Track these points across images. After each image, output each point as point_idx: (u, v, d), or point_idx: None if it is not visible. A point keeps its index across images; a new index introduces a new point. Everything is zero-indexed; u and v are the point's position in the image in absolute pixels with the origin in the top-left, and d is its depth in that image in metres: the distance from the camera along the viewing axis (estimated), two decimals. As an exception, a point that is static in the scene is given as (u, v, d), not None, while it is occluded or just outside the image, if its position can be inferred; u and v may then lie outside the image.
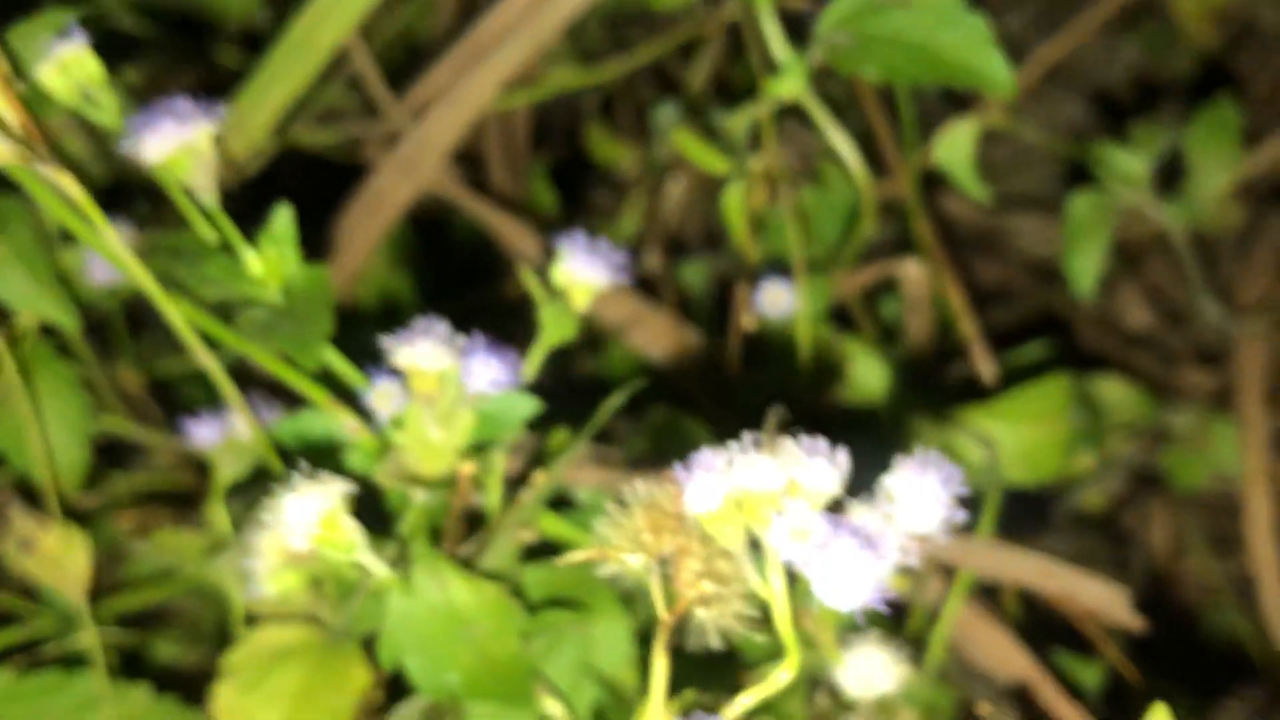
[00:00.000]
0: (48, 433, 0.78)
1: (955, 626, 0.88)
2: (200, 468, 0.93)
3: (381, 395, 0.68)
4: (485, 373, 0.64)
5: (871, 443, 0.86)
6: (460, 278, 1.17)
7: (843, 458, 0.55)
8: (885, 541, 0.54)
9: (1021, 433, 0.90)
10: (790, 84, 0.89)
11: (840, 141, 0.91)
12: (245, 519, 0.73)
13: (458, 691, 0.67)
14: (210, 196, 0.70)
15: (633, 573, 0.53)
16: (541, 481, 0.67)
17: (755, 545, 0.54)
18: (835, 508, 0.55)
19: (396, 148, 1.05)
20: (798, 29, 0.91)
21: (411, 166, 1.05)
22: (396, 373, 0.68)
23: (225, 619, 0.82)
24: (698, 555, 0.53)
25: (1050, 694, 0.80)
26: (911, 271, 0.95)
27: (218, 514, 0.77)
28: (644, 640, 0.75)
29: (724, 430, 0.79)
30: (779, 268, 0.95)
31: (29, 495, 0.81)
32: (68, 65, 0.65)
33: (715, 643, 0.54)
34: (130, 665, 0.95)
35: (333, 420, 0.68)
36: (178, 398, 1.05)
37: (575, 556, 0.53)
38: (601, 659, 0.72)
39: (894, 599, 0.52)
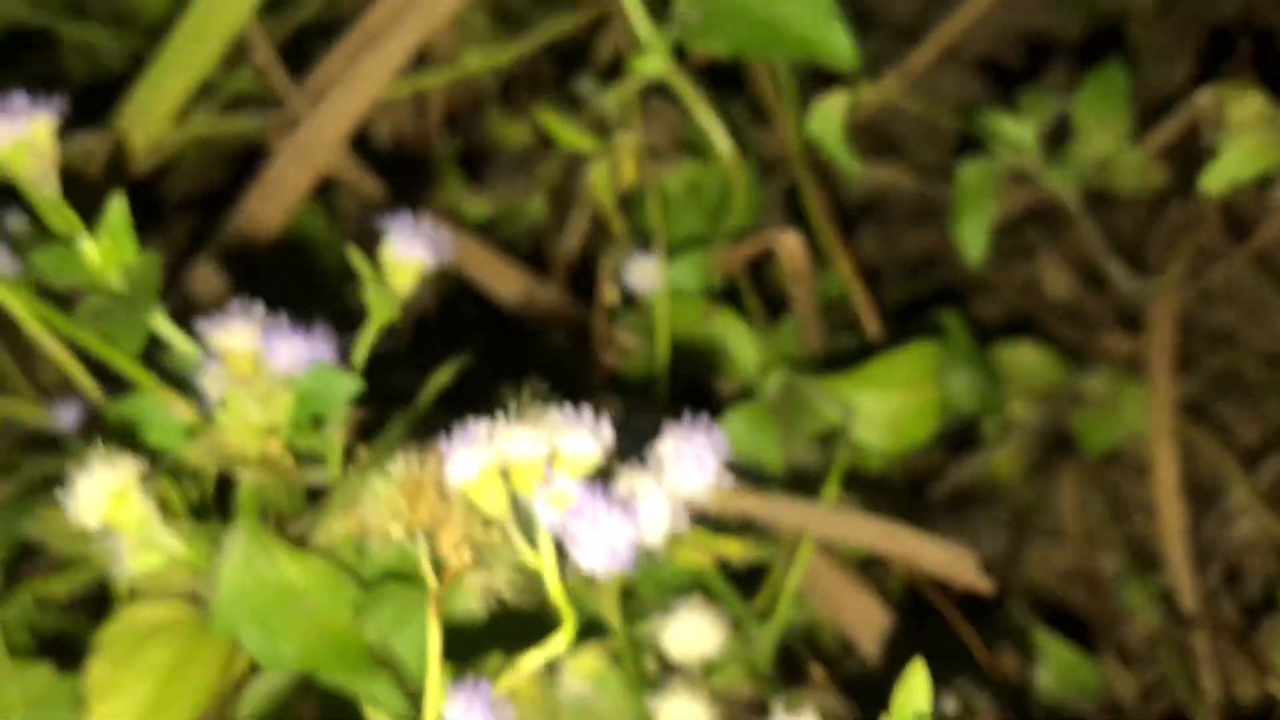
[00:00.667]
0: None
1: (824, 597, 0.89)
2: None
3: (212, 377, 0.70)
4: (287, 350, 0.65)
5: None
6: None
7: (605, 427, 0.56)
8: (647, 506, 0.55)
9: (889, 400, 0.91)
10: (653, 62, 0.90)
11: (707, 119, 0.92)
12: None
13: (293, 662, 0.69)
14: (51, 188, 0.72)
15: (394, 544, 0.54)
16: (364, 456, 0.69)
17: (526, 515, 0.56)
18: (606, 476, 0.57)
19: (294, 134, 1.07)
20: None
21: (308, 152, 1.06)
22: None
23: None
24: (458, 524, 0.54)
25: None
26: (787, 243, 0.95)
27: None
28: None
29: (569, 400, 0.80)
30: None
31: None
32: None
33: (480, 609, 0.55)
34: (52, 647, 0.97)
35: (159, 402, 0.70)
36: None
37: (334, 529, 0.55)
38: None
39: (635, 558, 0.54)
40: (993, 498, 1.18)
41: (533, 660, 0.56)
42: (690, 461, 0.57)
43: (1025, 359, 1.19)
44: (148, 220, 0.72)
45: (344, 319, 1.18)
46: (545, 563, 0.55)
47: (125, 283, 0.72)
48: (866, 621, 0.88)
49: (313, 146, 1.07)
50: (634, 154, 0.92)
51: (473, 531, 0.55)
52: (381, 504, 0.55)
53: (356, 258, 0.72)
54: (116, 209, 0.73)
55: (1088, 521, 1.18)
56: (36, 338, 0.73)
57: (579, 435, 0.55)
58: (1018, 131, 1.06)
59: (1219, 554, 1.13)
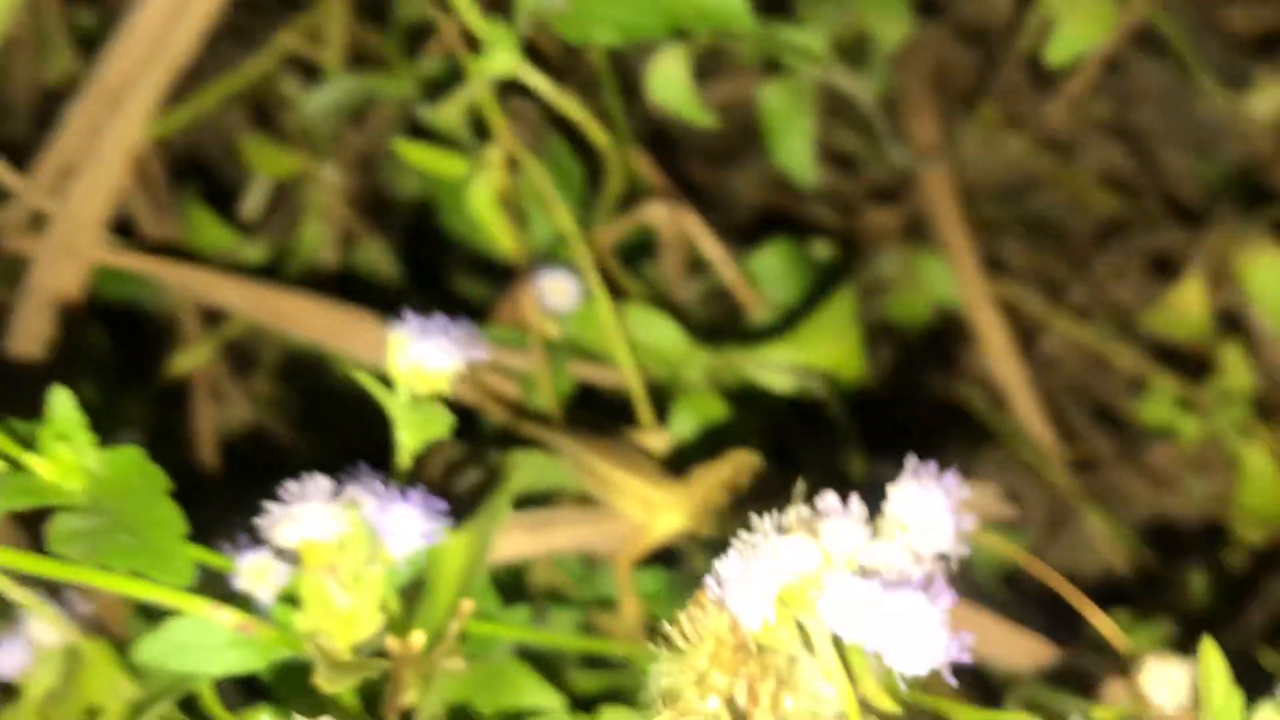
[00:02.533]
0: None
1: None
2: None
3: (254, 573, 0.57)
4: (410, 527, 0.54)
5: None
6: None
7: (856, 504, 0.50)
8: (929, 582, 0.50)
9: (824, 353, 0.88)
10: (502, 59, 0.80)
11: (571, 107, 0.84)
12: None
13: None
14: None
15: None
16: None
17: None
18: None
19: (48, 231, 0.88)
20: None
21: (70, 247, 0.89)
22: (258, 539, 0.57)
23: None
24: (770, 673, 0.47)
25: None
26: (658, 213, 0.89)
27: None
28: None
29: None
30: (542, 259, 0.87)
31: None
32: None
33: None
34: None
35: (204, 621, 0.57)
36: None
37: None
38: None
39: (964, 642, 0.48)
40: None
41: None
42: (937, 516, 0.52)
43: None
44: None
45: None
46: (839, 681, 0.49)
47: (97, 492, 0.57)
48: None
49: (73, 239, 0.89)
50: (504, 164, 0.82)
51: (784, 675, 0.47)
52: (690, 678, 0.46)
53: (369, 381, 0.60)
54: (63, 405, 0.57)
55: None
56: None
57: (843, 526, 0.49)
58: (806, 40, 1.03)
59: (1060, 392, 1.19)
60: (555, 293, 0.84)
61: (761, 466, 0.69)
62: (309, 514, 0.54)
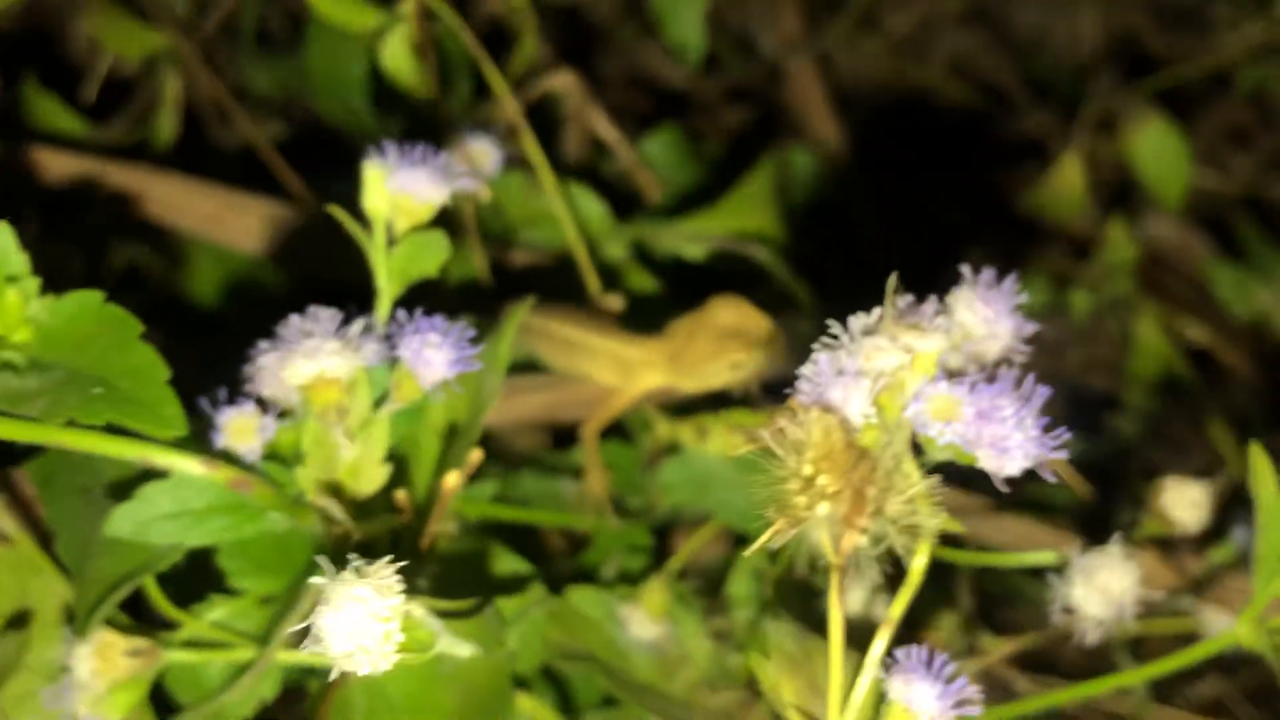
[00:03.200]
0: None
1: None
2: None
3: (239, 429, 0.52)
4: (439, 355, 0.49)
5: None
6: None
7: (931, 308, 0.49)
8: (1019, 380, 0.49)
9: (751, 221, 0.87)
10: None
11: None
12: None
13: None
14: None
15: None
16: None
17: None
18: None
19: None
20: None
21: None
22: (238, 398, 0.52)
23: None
24: (879, 475, 0.45)
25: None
26: (566, 81, 0.86)
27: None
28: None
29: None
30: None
31: None
32: None
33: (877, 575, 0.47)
34: None
35: (189, 482, 0.51)
36: None
37: (770, 532, 0.43)
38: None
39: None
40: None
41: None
42: (1000, 318, 0.51)
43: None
44: None
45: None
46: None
47: (47, 343, 0.51)
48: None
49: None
50: (418, 15, 0.77)
51: (886, 478, 0.45)
52: (796, 481, 0.43)
53: (341, 215, 0.55)
54: (4, 239, 0.50)
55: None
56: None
57: (925, 329, 0.47)
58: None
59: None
60: (481, 156, 0.79)
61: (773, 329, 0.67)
62: (322, 347, 0.49)
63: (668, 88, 1.29)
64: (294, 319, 0.50)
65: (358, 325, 0.51)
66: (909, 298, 0.48)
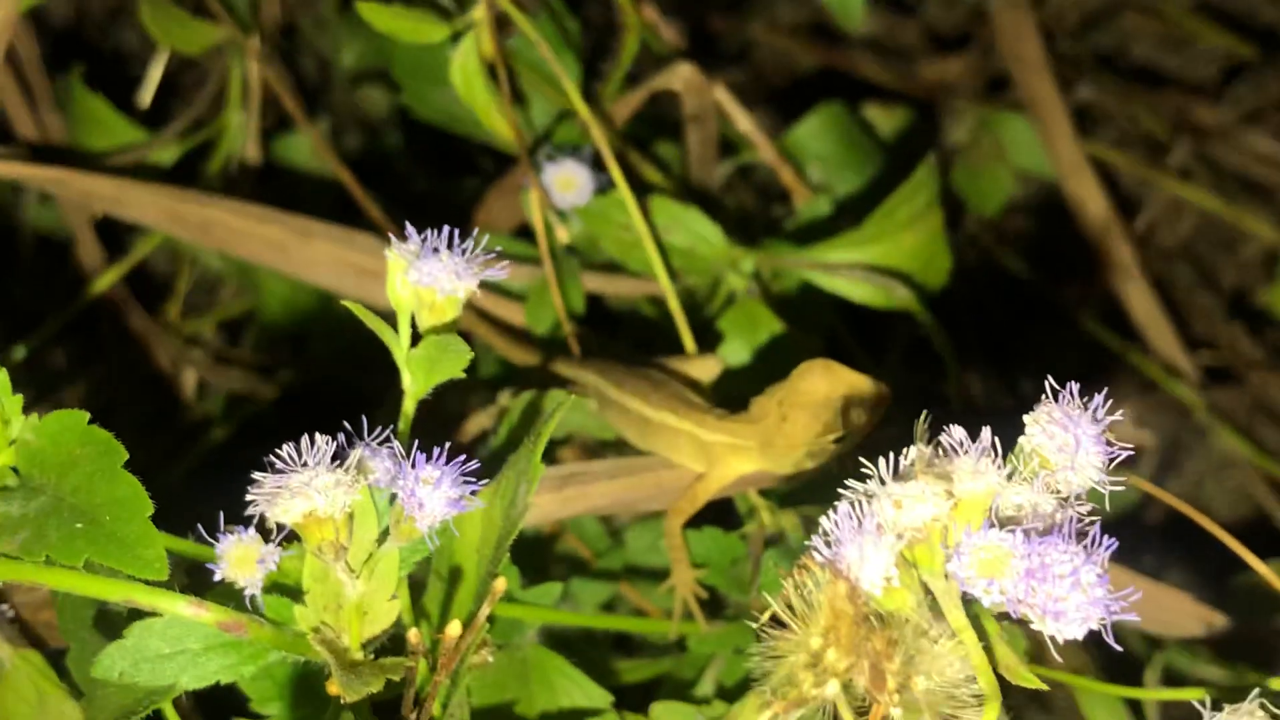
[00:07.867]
0: None
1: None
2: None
3: (239, 560, 0.59)
4: (438, 494, 0.55)
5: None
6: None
7: (986, 438, 0.52)
8: (1080, 529, 0.52)
9: (901, 248, 0.89)
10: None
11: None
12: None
13: None
14: None
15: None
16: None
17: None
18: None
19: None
20: None
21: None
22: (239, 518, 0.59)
23: None
24: (897, 649, 0.49)
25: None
26: (686, 75, 0.90)
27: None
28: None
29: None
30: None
31: None
32: None
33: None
34: None
35: (179, 622, 0.59)
36: None
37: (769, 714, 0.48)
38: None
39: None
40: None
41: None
42: (1086, 450, 0.54)
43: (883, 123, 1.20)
44: None
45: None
46: (974, 644, 0.51)
47: (33, 469, 0.59)
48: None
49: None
50: (491, 24, 0.83)
51: (910, 646, 0.49)
52: (802, 656, 0.48)
53: (364, 314, 0.61)
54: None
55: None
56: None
57: (976, 466, 0.51)
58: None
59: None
60: (564, 186, 0.84)
61: (879, 390, 0.70)
62: (311, 483, 0.55)
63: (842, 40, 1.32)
64: (287, 448, 0.57)
65: (357, 453, 0.57)
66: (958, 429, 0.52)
